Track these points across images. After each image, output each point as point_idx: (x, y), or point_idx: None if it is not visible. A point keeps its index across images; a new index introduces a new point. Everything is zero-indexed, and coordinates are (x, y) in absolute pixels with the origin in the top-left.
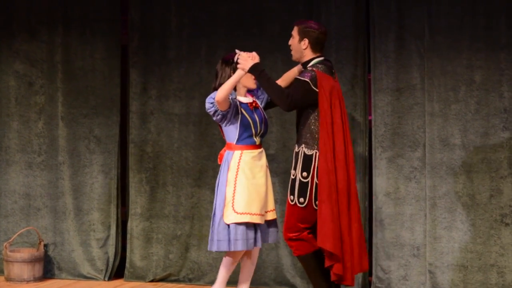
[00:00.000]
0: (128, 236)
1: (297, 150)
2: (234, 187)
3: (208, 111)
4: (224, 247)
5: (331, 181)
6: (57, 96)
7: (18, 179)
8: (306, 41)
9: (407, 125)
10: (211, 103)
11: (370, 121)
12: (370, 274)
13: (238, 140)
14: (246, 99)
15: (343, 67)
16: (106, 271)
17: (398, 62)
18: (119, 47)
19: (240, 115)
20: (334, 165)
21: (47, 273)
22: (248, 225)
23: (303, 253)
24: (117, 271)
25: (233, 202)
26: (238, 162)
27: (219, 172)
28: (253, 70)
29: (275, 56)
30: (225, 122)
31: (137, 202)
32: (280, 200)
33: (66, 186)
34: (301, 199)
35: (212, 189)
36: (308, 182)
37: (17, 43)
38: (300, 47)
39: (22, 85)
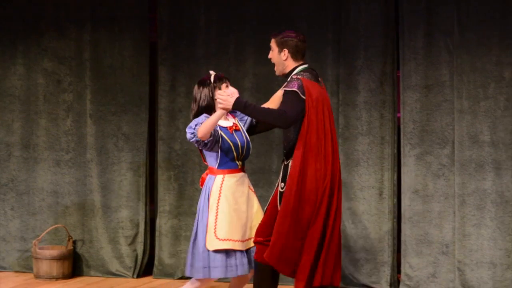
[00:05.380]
0: (157, 233)
1: (286, 163)
2: (216, 213)
3: (190, 141)
4: (200, 274)
5: (298, 190)
6: (86, 93)
7: (46, 177)
8: (285, 51)
9: (436, 122)
10: (192, 133)
11: (398, 118)
12: (399, 271)
13: (220, 165)
14: (226, 123)
15: (372, 64)
16: (135, 268)
17: (427, 59)
18: (147, 44)
19: (220, 140)
20: (321, 174)
21: (76, 270)
22: (228, 251)
23: (264, 261)
24: (146, 269)
25: (215, 228)
26: (220, 187)
27: (200, 197)
28: (237, 107)
29: None
30: (206, 148)
31: (165, 199)
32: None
33: (94, 183)
34: None
35: None
36: None
37: (46, 41)
38: (280, 58)
39: (51, 82)
